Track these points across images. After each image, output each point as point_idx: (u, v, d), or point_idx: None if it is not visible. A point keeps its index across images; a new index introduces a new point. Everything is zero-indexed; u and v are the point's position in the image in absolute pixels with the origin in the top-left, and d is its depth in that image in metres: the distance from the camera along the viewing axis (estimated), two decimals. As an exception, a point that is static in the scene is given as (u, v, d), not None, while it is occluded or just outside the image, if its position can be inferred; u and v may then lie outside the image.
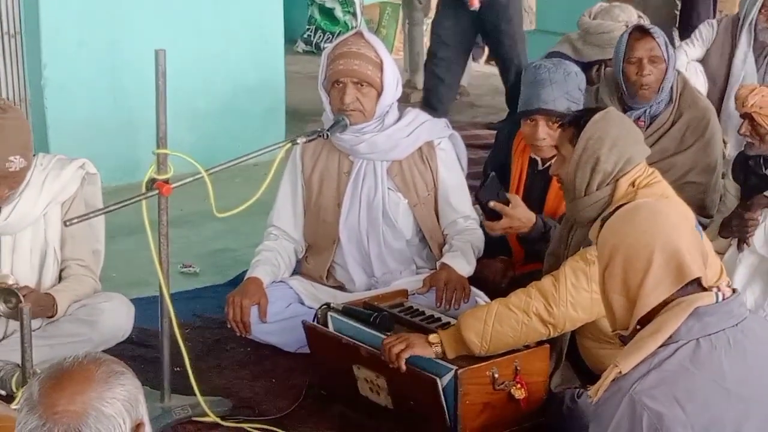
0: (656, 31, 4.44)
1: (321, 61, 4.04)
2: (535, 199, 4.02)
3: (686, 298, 2.36)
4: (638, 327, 2.40)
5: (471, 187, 4.26)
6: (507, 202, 3.87)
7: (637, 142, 3.43)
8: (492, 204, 3.84)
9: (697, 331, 2.32)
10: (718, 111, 5.03)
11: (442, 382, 3.26)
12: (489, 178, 3.91)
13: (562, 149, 3.50)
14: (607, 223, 2.51)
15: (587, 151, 3.39)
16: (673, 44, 4.52)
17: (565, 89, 4.05)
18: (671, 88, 4.45)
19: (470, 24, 6.64)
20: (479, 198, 3.86)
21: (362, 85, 3.92)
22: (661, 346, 2.31)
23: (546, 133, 4.06)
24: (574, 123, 3.46)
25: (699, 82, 5.41)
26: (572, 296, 3.24)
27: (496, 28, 6.63)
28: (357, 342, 3.50)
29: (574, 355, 3.53)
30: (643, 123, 4.41)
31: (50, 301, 3.71)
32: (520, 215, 3.85)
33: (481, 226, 4.12)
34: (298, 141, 3.71)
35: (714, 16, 6.79)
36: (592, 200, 3.40)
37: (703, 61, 5.62)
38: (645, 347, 2.32)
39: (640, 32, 4.45)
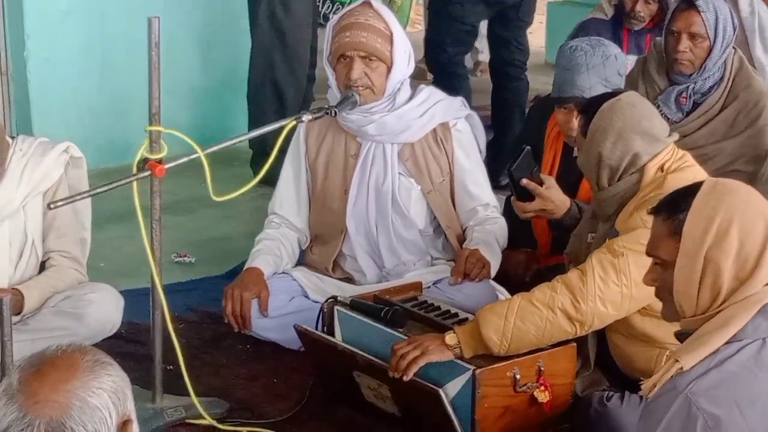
0: (706, 4, 4.34)
1: (326, 33, 4.05)
2: (568, 188, 4.01)
3: (756, 293, 2.37)
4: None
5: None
6: (540, 182, 3.87)
7: (646, 134, 3.40)
8: (524, 182, 3.83)
9: (764, 330, 2.33)
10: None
11: (456, 385, 3.26)
12: (523, 152, 3.84)
13: (577, 140, 3.52)
14: (696, 205, 2.43)
15: (592, 144, 3.42)
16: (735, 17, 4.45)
17: (604, 75, 4.04)
18: (725, 66, 4.41)
19: None
20: (512, 174, 3.83)
21: (371, 60, 3.94)
22: (725, 343, 2.32)
23: None
24: (584, 112, 3.48)
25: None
26: (601, 290, 3.25)
27: None
28: (354, 350, 3.49)
29: (601, 356, 3.54)
30: (684, 100, 4.40)
31: (16, 296, 3.70)
32: (554, 197, 3.87)
33: (506, 211, 4.15)
34: (304, 118, 3.71)
35: None
36: (608, 194, 3.43)
37: None
38: (710, 342, 2.33)
39: (686, 3, 4.39)
